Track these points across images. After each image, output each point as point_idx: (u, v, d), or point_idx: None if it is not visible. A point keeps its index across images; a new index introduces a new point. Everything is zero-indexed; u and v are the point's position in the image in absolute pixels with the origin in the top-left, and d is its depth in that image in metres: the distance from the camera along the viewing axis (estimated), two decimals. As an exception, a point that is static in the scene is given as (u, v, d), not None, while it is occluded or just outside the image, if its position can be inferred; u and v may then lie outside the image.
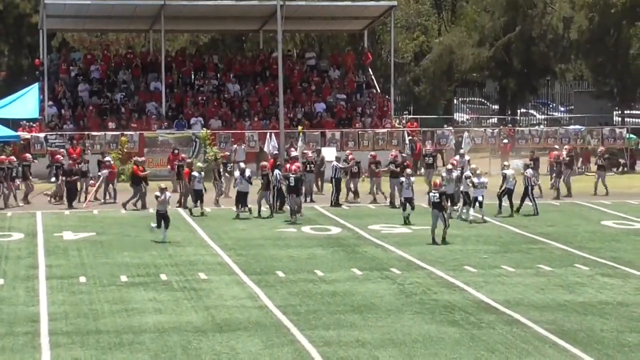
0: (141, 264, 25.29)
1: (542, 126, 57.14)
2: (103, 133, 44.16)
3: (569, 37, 60.66)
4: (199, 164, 35.22)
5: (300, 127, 44.84)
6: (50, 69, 48.03)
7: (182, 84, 49.78)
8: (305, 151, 39.93)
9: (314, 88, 50.06)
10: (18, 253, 26.80)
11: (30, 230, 30.37)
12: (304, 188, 34.22)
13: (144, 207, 34.50)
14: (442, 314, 20.18)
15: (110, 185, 36.83)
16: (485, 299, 21.50)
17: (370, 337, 18.45)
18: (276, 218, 32.94)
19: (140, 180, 34.95)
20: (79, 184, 36.27)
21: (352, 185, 36.96)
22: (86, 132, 44.35)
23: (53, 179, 38.97)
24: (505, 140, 46.26)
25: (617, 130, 48.55)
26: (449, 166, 34.30)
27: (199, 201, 33.43)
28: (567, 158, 38.61)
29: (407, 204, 31.67)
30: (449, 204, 29.96)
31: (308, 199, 36.13)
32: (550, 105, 76.36)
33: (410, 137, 46.50)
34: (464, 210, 32.35)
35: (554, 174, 38.03)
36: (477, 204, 31.94)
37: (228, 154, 40.47)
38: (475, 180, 32.08)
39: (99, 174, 36.90)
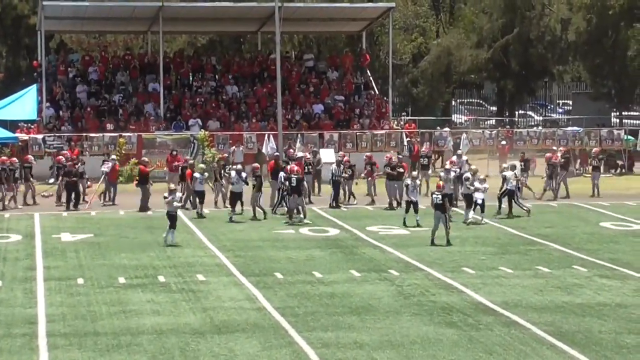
0: (139, 265, 25.28)
1: (540, 128, 57.10)
2: (101, 134, 44.14)
3: (567, 38, 60.74)
4: (201, 166, 35.16)
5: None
6: (48, 71, 48.02)
7: (180, 86, 49.78)
8: (302, 153, 39.92)
9: (312, 89, 50.08)
10: (16, 254, 26.78)
11: (28, 232, 30.35)
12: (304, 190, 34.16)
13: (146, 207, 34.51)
14: (440, 316, 20.17)
15: (112, 188, 36.71)
16: (483, 300, 21.50)
17: (369, 339, 18.45)
18: (274, 219, 32.90)
19: (148, 180, 34.99)
20: (80, 185, 36.15)
21: (346, 188, 36.89)
22: (84, 134, 44.33)
23: (52, 180, 38.99)
24: (504, 142, 46.25)
25: (615, 132, 48.53)
26: (447, 166, 34.32)
27: (198, 202, 33.41)
28: (563, 160, 38.64)
29: (411, 207, 31.53)
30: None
31: (307, 200, 36.08)
32: (548, 107, 76.39)
33: (408, 139, 46.51)
34: (472, 214, 32.31)
35: (547, 176, 37.97)
36: (477, 207, 31.93)
37: (226, 155, 40.45)
38: (477, 184, 32.05)
39: (102, 169, 36.85)
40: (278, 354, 17.58)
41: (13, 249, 27.66)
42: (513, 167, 34.27)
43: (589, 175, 41.09)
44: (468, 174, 32.75)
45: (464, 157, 38.28)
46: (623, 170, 47.02)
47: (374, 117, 48.85)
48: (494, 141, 46.95)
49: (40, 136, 43.78)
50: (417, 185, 32.12)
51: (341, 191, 36.13)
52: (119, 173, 39.36)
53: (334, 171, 35.64)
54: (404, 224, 31.39)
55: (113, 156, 38.57)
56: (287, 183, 32.62)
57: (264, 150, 43.27)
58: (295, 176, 32.55)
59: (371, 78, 52.86)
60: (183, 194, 34.83)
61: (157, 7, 47.48)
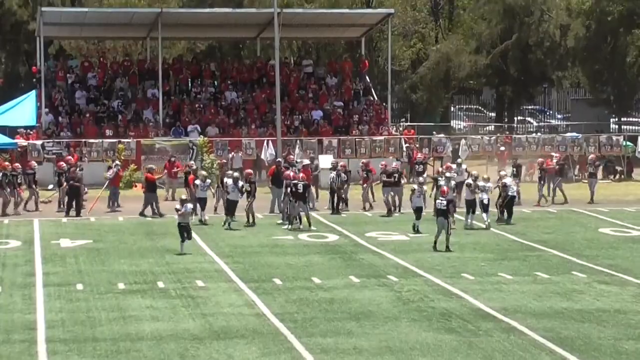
0: (138, 271, 25.27)
1: (539, 133, 57.14)
2: (100, 140, 44.13)
3: (566, 44, 60.76)
4: (203, 172, 35.09)
5: None
6: (47, 76, 47.98)
7: (179, 92, 49.77)
8: (301, 159, 39.89)
9: (311, 95, 50.10)
10: (15, 260, 26.76)
11: (27, 238, 30.33)
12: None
13: (154, 213, 34.47)
14: (439, 322, 20.17)
15: (115, 193, 36.64)
16: (482, 306, 21.50)
17: (368, 345, 18.44)
18: (272, 226, 32.87)
19: (155, 187, 35.02)
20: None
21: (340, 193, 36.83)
22: (83, 140, 44.33)
23: (50, 186, 38.96)
24: (502, 148, 46.27)
25: (614, 138, 48.56)
26: (448, 173, 34.25)
27: (200, 209, 33.33)
28: (557, 166, 38.67)
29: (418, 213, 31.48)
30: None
31: (311, 206, 35.98)
32: (547, 113, 76.42)
33: (407, 145, 46.52)
34: (484, 218, 32.32)
35: (540, 182, 37.91)
36: (482, 208, 31.98)
37: (225, 161, 40.45)
38: (480, 183, 32.10)
39: (107, 175, 36.86)
40: (277, 359, 17.58)
41: (12, 254, 27.65)
42: (503, 176, 34.25)
43: (587, 181, 41.10)
44: (469, 180, 32.71)
45: (464, 165, 38.25)
46: (622, 176, 47.02)
47: (373, 123, 48.86)
48: (493, 147, 46.95)
49: (39, 142, 43.77)
50: (423, 191, 32.00)
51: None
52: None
53: (332, 179, 35.56)
54: (416, 230, 31.02)
55: (117, 162, 38.60)
56: (290, 189, 32.42)
57: (262, 156, 43.30)
58: (303, 182, 32.53)
59: (370, 84, 52.88)
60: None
61: (156, 13, 47.57)
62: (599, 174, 42.01)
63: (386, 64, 55.79)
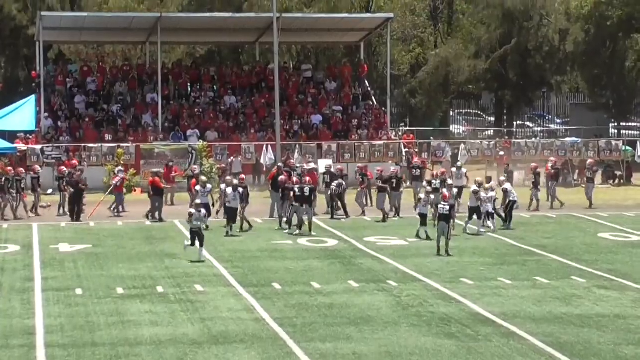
0: (137, 276, 25.26)
1: (538, 138, 57.17)
2: (99, 145, 44.11)
3: (565, 49, 60.85)
4: (203, 178, 35.03)
5: None
6: (46, 81, 47.99)
7: (179, 96, 49.77)
8: (300, 164, 39.89)
9: (311, 100, 50.10)
10: (14, 265, 26.75)
11: (26, 243, 30.31)
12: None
13: (154, 217, 34.44)
14: (438, 327, 20.16)
15: (119, 198, 36.60)
16: (482, 311, 21.49)
17: (367, 350, 18.43)
18: (272, 230, 32.86)
19: (162, 191, 35.01)
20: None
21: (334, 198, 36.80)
22: (82, 144, 44.31)
23: (50, 191, 38.93)
24: (502, 153, 46.26)
25: (614, 143, 48.53)
26: (449, 181, 34.10)
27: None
28: (553, 170, 38.67)
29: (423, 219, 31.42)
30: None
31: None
32: (547, 117, 76.44)
33: (406, 150, 46.52)
34: (489, 224, 32.33)
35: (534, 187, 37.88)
36: (488, 216, 31.99)
37: (224, 165, 40.45)
38: (483, 195, 32.01)
39: (113, 182, 36.85)
40: (276, 365, 17.60)
41: (11, 259, 27.64)
42: (489, 180, 34.19)
43: (584, 186, 41.06)
44: (475, 187, 32.48)
45: (463, 170, 38.21)
46: (621, 181, 47.01)
47: (372, 127, 48.87)
48: (492, 152, 46.94)
49: (38, 147, 43.76)
50: (430, 200, 31.78)
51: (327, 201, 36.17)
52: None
53: (333, 191, 35.48)
54: (427, 237, 30.83)
55: (120, 167, 38.53)
56: (294, 193, 32.33)
57: (262, 161, 43.31)
58: (309, 186, 32.49)
59: (369, 88, 52.90)
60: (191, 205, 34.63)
61: (155, 17, 47.57)
62: (598, 179, 41.94)
63: (385, 69, 55.82)
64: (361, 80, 52.90)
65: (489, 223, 32.48)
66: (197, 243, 27.33)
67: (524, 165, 43.49)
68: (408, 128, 59.94)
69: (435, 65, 63.02)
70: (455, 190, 32.90)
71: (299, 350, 18.39)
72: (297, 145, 44.57)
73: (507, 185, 33.79)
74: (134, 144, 44.22)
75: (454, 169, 38.02)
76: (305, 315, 21.13)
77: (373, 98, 52.47)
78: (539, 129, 71.20)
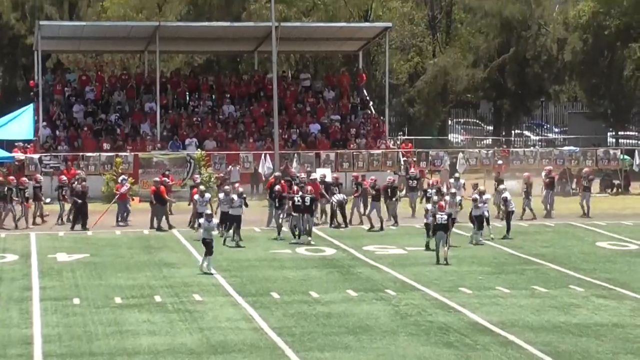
0: (135, 285, 25.24)
1: (536, 147, 57.18)
2: (98, 154, 44.09)
3: (563, 58, 60.88)
4: (201, 187, 34.99)
5: None
6: (45, 90, 48.01)
7: (177, 105, 49.79)
8: (299, 173, 39.85)
9: (309, 109, 50.11)
10: (12, 274, 26.72)
11: (24, 252, 30.30)
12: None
13: (160, 227, 34.44)
14: (437, 336, 20.14)
15: (124, 207, 36.54)
16: (480, 320, 21.47)
17: (365, 359, 18.42)
18: (270, 239, 32.82)
19: (166, 200, 35.00)
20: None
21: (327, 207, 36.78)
22: (81, 153, 44.30)
23: (48, 200, 38.90)
24: (500, 162, 46.27)
25: (612, 152, 48.56)
26: (453, 190, 34.02)
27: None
28: (547, 179, 38.66)
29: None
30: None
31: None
32: (545, 127, 76.47)
33: (405, 159, 46.52)
34: (488, 232, 32.33)
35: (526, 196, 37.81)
36: (485, 221, 31.95)
37: (222, 174, 40.44)
38: (477, 197, 32.00)
39: (120, 191, 36.82)
40: (275, 374, 17.58)
41: (9, 268, 27.61)
42: (475, 186, 34.09)
43: (580, 195, 41.03)
44: (475, 195, 32.39)
45: (461, 181, 38.12)
46: (619, 190, 47.03)
47: (370, 136, 48.88)
48: (490, 161, 46.95)
49: (36, 156, 43.76)
50: (435, 210, 31.68)
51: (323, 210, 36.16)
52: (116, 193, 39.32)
53: (334, 205, 35.47)
54: (427, 248, 30.76)
55: (124, 176, 38.46)
56: (293, 202, 32.32)
57: (260, 170, 43.30)
58: (310, 195, 32.52)
59: (368, 97, 52.92)
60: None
61: (154, 26, 47.59)
62: (595, 188, 41.92)
63: (384, 78, 55.84)
64: (359, 89, 52.92)
65: (487, 229, 32.37)
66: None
67: (522, 174, 43.44)
68: (406, 137, 59.96)
69: (434, 74, 63.05)
70: (458, 198, 32.88)
71: (298, 359, 18.37)
72: (296, 154, 44.57)
73: (507, 194, 33.75)
74: (132, 153, 44.19)
75: (452, 180, 37.97)
76: (303, 324, 21.11)
77: (371, 107, 52.48)
78: (537, 138, 71.25)
